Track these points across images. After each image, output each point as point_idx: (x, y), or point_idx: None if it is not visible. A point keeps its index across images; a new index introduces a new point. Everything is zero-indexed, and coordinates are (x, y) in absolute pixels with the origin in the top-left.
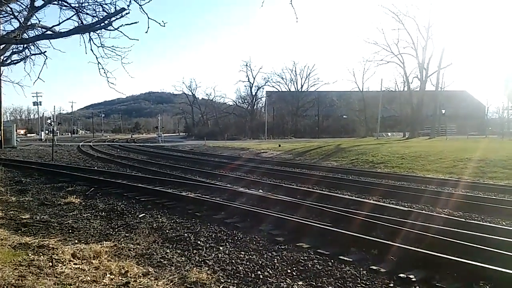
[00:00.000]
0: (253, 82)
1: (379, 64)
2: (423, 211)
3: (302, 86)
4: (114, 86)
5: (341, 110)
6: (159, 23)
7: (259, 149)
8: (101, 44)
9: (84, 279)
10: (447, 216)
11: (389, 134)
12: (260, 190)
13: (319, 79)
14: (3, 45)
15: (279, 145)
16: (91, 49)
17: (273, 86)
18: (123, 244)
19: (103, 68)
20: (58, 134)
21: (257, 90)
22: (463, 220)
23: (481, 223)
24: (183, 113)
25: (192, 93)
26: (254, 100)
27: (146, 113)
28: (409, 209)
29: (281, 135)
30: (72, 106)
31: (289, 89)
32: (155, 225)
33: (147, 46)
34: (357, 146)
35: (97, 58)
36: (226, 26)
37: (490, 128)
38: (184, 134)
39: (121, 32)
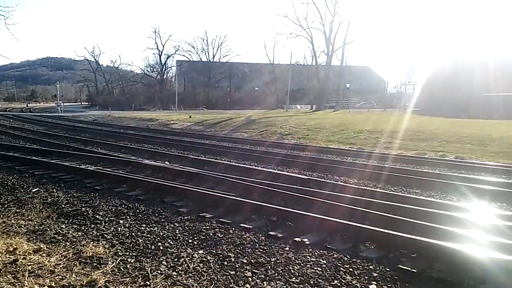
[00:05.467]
0: (162, 50)
1: (288, 38)
2: (321, 179)
3: (214, 57)
4: None
5: (253, 82)
6: None
7: (168, 120)
8: None
9: None
10: (344, 184)
11: (298, 106)
12: (167, 162)
13: (231, 50)
14: None
15: (190, 116)
16: None
17: (183, 55)
18: (13, 221)
19: None
20: None
21: (167, 58)
22: (361, 187)
23: (372, 189)
24: (86, 81)
25: (95, 59)
26: (163, 69)
27: (43, 80)
28: (309, 177)
29: (193, 106)
30: None
31: (201, 59)
32: (49, 199)
33: (42, 6)
34: (267, 118)
35: None
36: None
37: (399, 102)
38: (87, 103)
39: None
